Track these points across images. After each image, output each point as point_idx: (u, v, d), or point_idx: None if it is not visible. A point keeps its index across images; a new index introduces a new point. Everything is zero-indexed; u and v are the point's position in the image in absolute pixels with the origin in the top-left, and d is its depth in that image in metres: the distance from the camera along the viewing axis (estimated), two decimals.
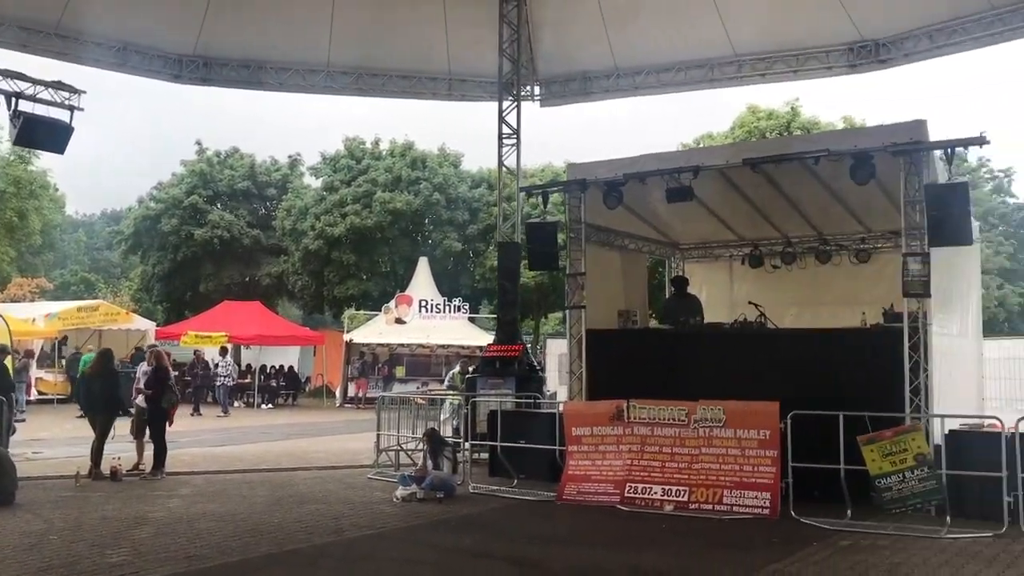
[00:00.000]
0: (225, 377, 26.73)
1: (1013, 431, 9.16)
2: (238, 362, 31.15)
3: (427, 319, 30.44)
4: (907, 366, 10.22)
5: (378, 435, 13.81)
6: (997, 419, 9.81)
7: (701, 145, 33.52)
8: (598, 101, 19.53)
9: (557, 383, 17.85)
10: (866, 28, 16.43)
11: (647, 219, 14.83)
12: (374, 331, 31.29)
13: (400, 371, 31.44)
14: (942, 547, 8.36)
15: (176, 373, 31.31)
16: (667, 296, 15.87)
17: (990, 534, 8.74)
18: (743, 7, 16.67)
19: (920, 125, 10.46)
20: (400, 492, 10.99)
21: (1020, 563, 7.72)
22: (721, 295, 16.13)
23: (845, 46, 16.87)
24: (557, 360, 19.42)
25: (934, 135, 10.55)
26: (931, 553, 8.10)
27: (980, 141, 10.10)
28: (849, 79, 18.37)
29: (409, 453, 13.45)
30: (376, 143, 39.92)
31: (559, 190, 14.54)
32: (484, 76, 18.28)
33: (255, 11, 17.65)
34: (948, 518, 9.20)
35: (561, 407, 12.38)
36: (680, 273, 16.17)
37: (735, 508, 9.95)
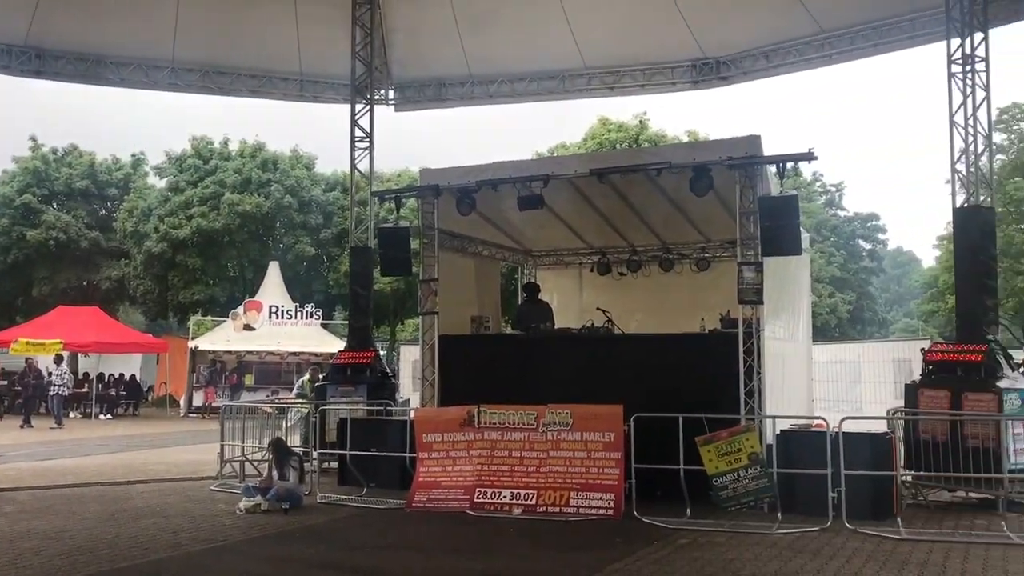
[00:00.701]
0: (60, 386, 25.19)
1: (837, 430, 9.76)
2: (75, 371, 29.49)
3: (278, 326, 29.71)
4: (742, 369, 10.73)
5: (222, 445, 13.36)
6: (823, 419, 10.45)
7: (555, 154, 34.20)
8: (454, 108, 19.61)
9: (411, 390, 17.77)
10: (708, 46, 17.21)
11: (500, 226, 14.99)
12: (221, 338, 30.29)
13: (249, 379, 30.50)
14: (773, 542, 8.81)
15: (4, 383, 29.77)
16: (520, 302, 16.08)
17: (816, 528, 9.27)
18: (593, 22, 17.12)
19: (755, 140, 11.01)
20: (244, 504, 10.66)
21: (841, 555, 8.21)
22: (571, 301, 16.48)
23: (689, 63, 17.61)
24: (411, 367, 19.33)
25: (780, 149, 11.08)
26: (763, 548, 8.52)
27: (809, 157, 10.72)
28: (707, 93, 19.16)
29: (255, 464, 13.07)
30: (225, 143, 38.64)
31: (412, 195, 14.49)
32: (337, 78, 18.02)
33: (93, 1, 16.79)
34: (779, 514, 9.71)
35: (412, 414, 12.33)
36: (532, 279, 16.42)
37: (581, 510, 10.17)
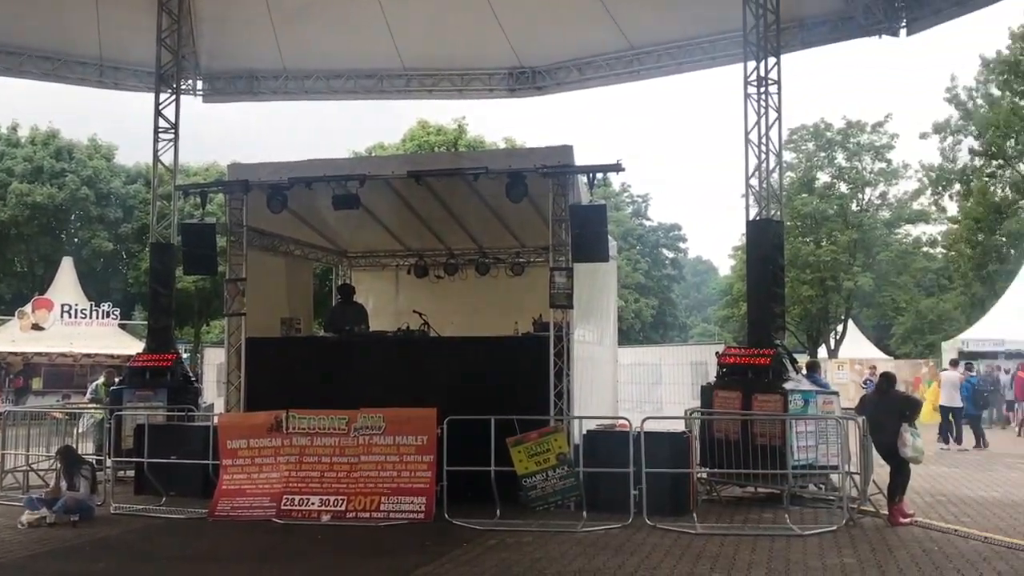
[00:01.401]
0: None
1: (639, 430, 10.18)
2: None
3: (71, 325, 27.80)
4: (552, 372, 10.98)
5: (2, 454, 12.32)
6: (627, 419, 10.87)
7: (373, 154, 33.84)
8: (266, 101, 19.02)
9: (215, 394, 17.04)
10: (524, 56, 17.54)
11: (314, 225, 14.65)
12: (6, 338, 27.99)
13: (37, 383, 28.32)
14: (578, 540, 9.07)
15: None
16: (333, 304, 15.77)
17: (619, 525, 9.63)
18: (411, 23, 17.04)
19: (567, 150, 11.32)
20: (26, 517, 9.88)
21: (642, 550, 8.56)
22: (387, 304, 16.35)
23: (506, 71, 17.90)
24: (216, 370, 18.53)
25: (592, 160, 11.45)
26: (568, 546, 8.75)
27: (617, 168, 11.14)
28: (527, 101, 19.48)
29: (41, 474, 12.13)
30: (14, 128, 35.75)
31: (219, 191, 13.90)
32: (141, 65, 17.03)
33: None
34: (584, 512, 10.01)
35: (216, 419, 11.82)
36: (347, 281, 16.16)
37: (392, 514, 10.09)
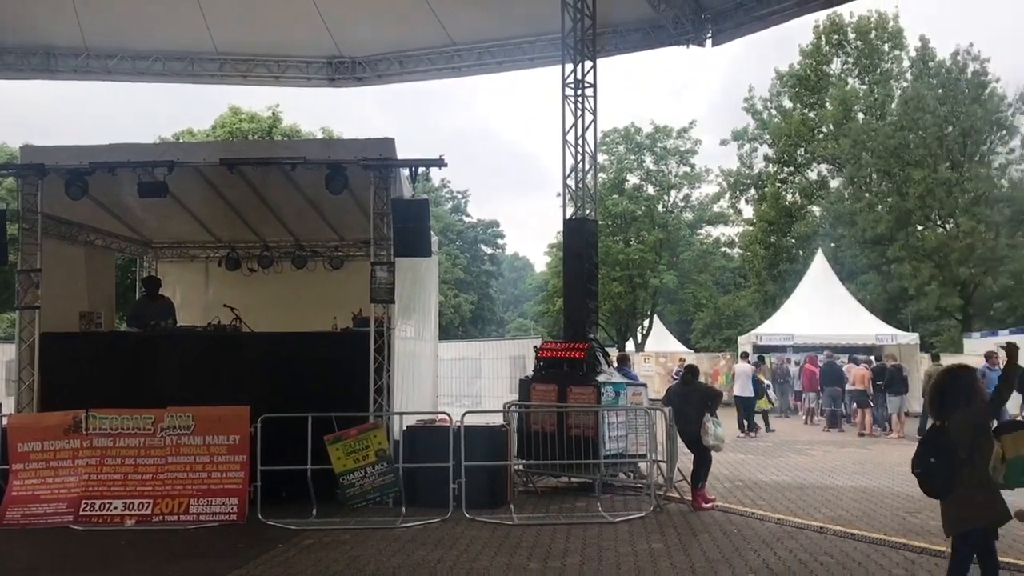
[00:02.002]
0: None
1: (459, 424, 10.25)
2: None
3: None
4: (372, 368, 10.87)
5: None
6: (447, 414, 10.93)
7: (181, 140, 32.27)
8: (64, 80, 17.77)
9: (4, 394, 15.74)
10: (344, 46, 17.28)
11: (117, 214, 13.80)
12: None
13: None
14: (397, 536, 9.03)
15: None
16: (137, 297, 14.91)
17: (438, 520, 9.67)
18: (225, 4, 16.39)
19: (389, 143, 11.22)
20: None
21: (460, 543, 8.64)
22: (196, 297, 15.64)
23: (325, 60, 17.56)
24: (5, 368, 17.14)
25: (414, 154, 11.44)
26: (387, 543, 8.70)
27: (439, 163, 11.15)
28: (347, 92, 19.15)
29: None
30: None
31: (11, 174, 12.82)
32: None
33: None
34: (403, 508, 10.00)
35: (5, 421, 10.91)
36: (153, 273, 15.31)
37: (202, 516, 9.69)
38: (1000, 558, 7.58)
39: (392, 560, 8.00)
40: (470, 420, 10.50)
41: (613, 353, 15.83)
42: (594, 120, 13.68)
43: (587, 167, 13.70)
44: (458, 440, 10.09)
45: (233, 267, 15.36)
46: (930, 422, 5.88)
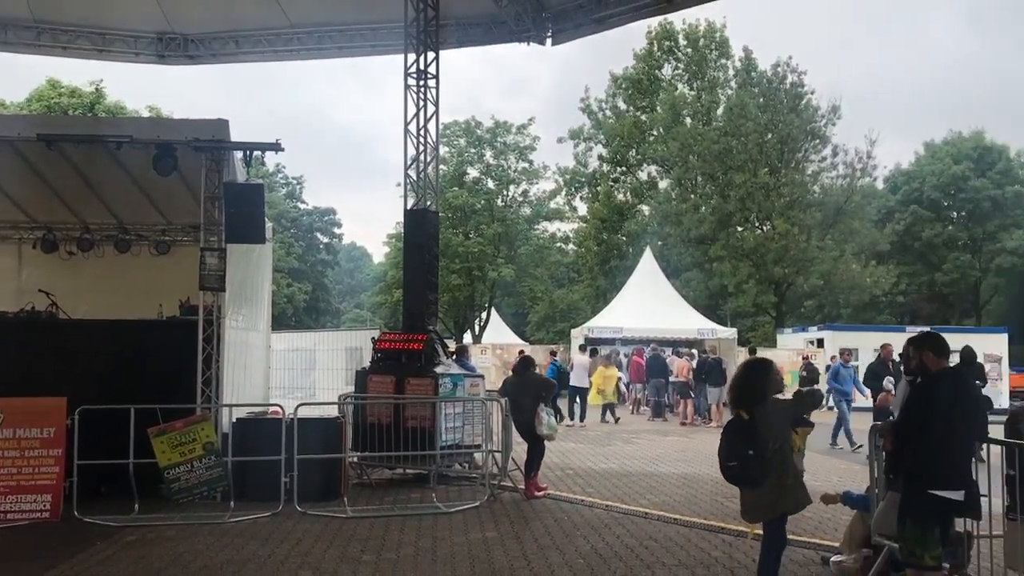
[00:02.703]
0: None
1: (292, 416, 10.03)
2: None
3: None
4: (200, 358, 10.46)
5: None
6: (279, 406, 10.66)
7: None
8: None
9: None
10: (176, 22, 16.50)
11: None
12: None
13: None
14: (225, 531, 8.75)
15: None
16: None
17: (268, 514, 9.43)
18: None
19: (222, 124, 10.79)
20: None
21: (292, 537, 8.47)
22: (7, 281, 14.51)
23: (154, 35, 16.71)
24: None
25: (249, 136, 10.98)
26: (215, 538, 8.42)
27: (275, 147, 10.82)
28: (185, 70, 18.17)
29: None
30: None
31: None
32: None
33: None
34: (232, 503, 9.69)
35: None
36: None
37: (10, 515, 9.06)
38: (806, 539, 8.21)
39: (220, 555, 7.75)
40: (304, 412, 10.30)
41: (451, 345, 15.94)
42: (436, 111, 13.68)
43: (429, 158, 13.69)
44: (290, 433, 9.86)
45: (50, 249, 14.34)
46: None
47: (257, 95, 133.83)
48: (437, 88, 13.68)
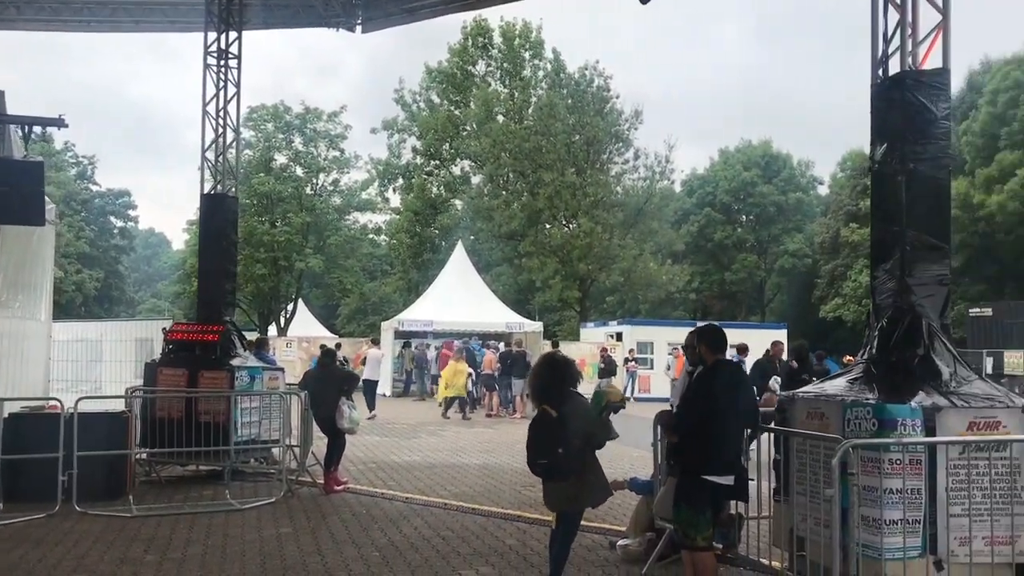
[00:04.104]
0: None
1: (72, 411, 9.38)
2: None
3: None
4: None
5: None
6: (58, 400, 9.95)
7: None
8: None
9: None
10: None
11: None
12: None
13: None
14: None
15: None
16: None
17: (43, 515, 8.79)
18: None
19: None
20: None
21: (68, 539, 7.93)
22: None
23: None
24: None
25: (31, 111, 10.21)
26: None
27: (58, 123, 10.11)
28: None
29: None
30: None
31: None
32: None
33: None
34: (1, 504, 8.96)
35: None
36: None
37: None
38: (596, 524, 8.54)
39: None
40: (86, 407, 9.67)
41: (253, 337, 15.44)
42: (237, 93, 13.17)
43: (229, 141, 13.17)
44: (70, 428, 9.23)
45: None
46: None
47: (47, 69, 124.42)
48: (239, 69, 13.18)
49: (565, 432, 5.80)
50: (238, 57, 13.17)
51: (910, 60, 6.62)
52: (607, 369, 26.18)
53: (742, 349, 16.20)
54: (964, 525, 5.66)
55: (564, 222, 40.21)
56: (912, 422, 5.72)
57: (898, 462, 5.60)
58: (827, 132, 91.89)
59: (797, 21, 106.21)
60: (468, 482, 11.51)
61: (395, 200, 49.18)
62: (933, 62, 6.63)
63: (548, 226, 40.06)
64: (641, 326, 33.80)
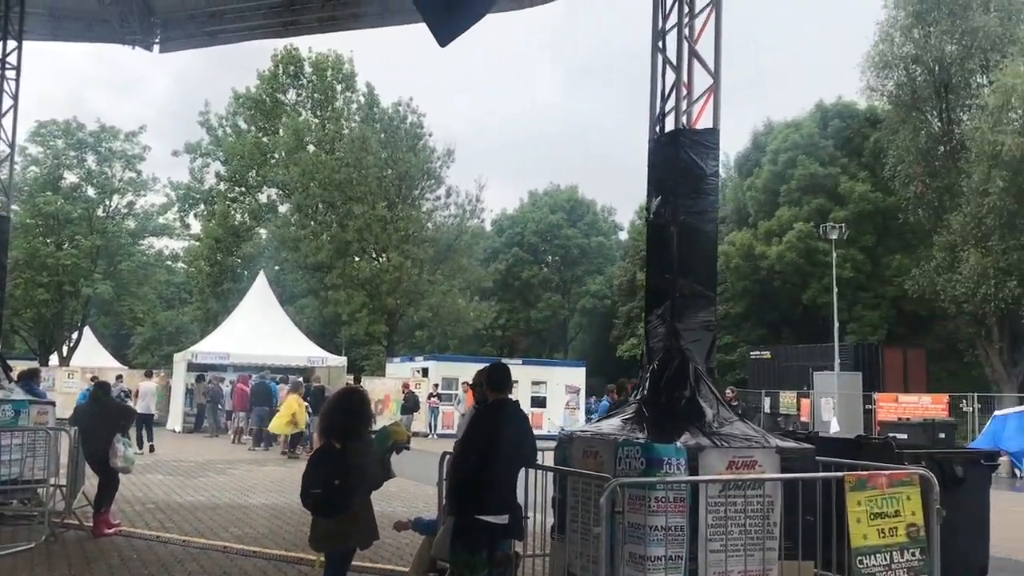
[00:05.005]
0: None
1: None
2: None
3: None
4: None
5: None
6: None
7: None
8: None
9: None
10: None
11: None
12: None
13: None
14: None
15: None
16: None
17: None
18: None
19: None
20: None
21: None
22: None
23: None
24: None
25: None
26: None
27: None
28: None
29: None
30: None
31: None
32: None
33: None
34: None
35: None
36: None
37: None
38: (382, 565, 8.45)
39: None
40: None
41: (28, 367, 14.31)
42: (14, 106, 12.28)
43: (2, 157, 12.23)
44: None
45: None
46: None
47: None
48: (18, 80, 12.31)
49: (346, 465, 5.68)
50: (17, 68, 12.30)
51: (684, 119, 7.07)
52: (408, 406, 26.08)
53: (620, 388, 15.47)
54: (721, 560, 5.98)
55: (374, 255, 39.99)
56: (677, 461, 6.02)
57: (663, 500, 5.85)
58: (629, 179, 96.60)
59: (607, 68, 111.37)
60: (253, 523, 11.07)
61: (196, 226, 47.27)
62: (705, 122, 7.12)
63: (357, 259, 39.70)
64: (447, 362, 33.94)
